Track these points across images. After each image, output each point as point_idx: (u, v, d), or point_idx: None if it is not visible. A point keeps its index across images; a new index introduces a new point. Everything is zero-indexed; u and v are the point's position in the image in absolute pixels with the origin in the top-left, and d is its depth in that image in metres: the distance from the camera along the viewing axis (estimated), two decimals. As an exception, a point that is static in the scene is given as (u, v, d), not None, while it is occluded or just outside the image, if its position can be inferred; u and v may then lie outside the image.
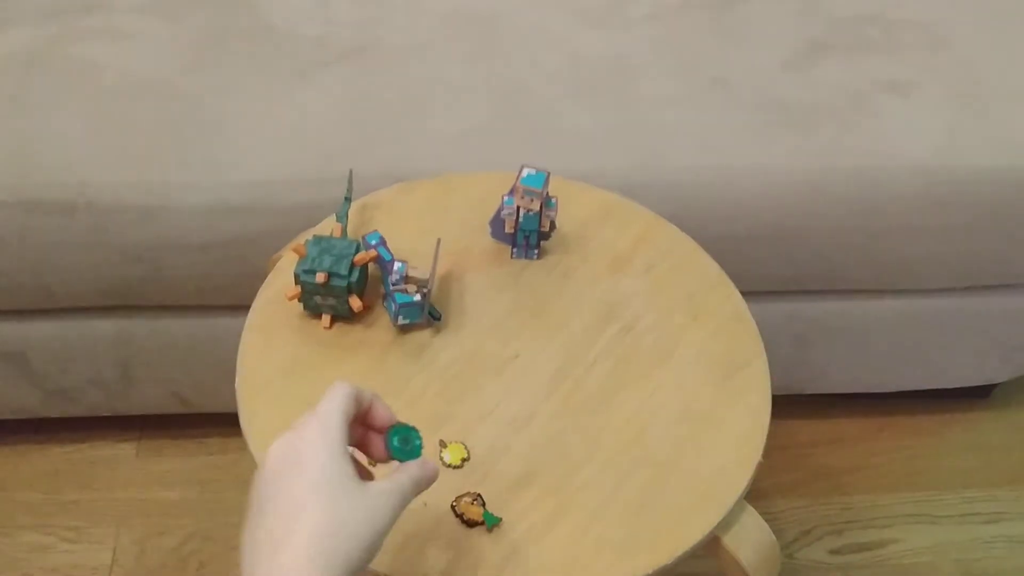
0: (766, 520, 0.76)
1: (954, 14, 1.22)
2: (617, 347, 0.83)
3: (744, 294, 0.87)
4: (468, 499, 0.73)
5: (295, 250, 0.81)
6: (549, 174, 0.84)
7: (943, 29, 1.20)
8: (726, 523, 0.74)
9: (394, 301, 0.80)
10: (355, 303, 0.81)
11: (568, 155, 1.05)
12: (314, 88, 1.09)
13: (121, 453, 1.30)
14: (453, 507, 0.73)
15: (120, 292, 1.08)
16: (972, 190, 1.09)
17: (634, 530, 0.72)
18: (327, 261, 0.80)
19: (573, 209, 0.91)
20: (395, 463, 0.62)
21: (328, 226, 0.88)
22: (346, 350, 0.81)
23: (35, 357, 1.15)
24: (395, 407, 0.77)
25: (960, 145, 1.09)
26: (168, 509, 1.25)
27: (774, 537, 0.76)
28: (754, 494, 0.75)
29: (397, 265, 0.81)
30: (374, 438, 0.62)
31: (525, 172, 0.84)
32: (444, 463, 0.75)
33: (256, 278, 0.87)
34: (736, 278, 0.88)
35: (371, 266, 0.85)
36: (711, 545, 0.74)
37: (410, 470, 0.60)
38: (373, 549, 0.55)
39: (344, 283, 0.80)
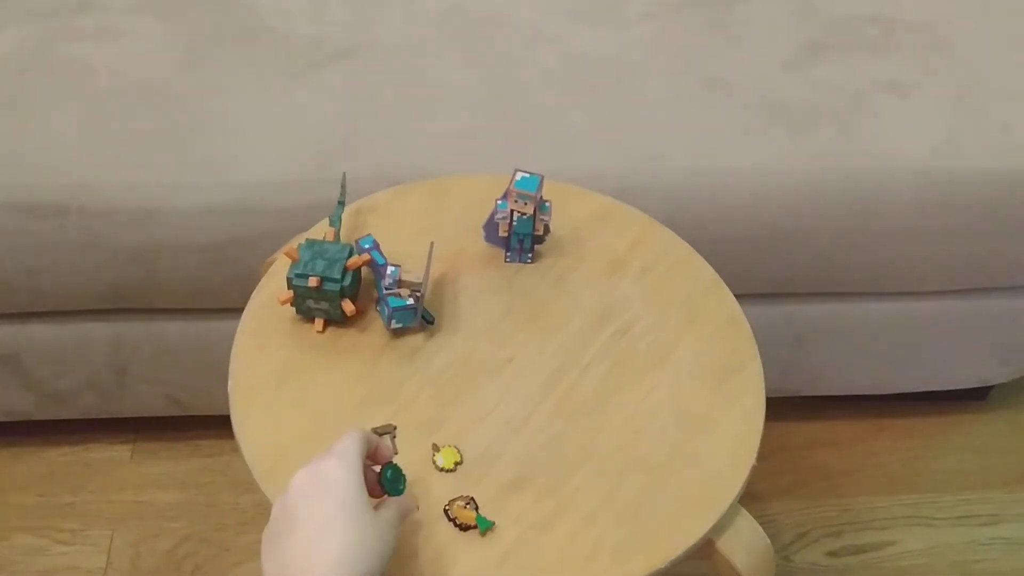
0: (763, 522, 0.76)
1: (954, 14, 1.21)
2: (612, 351, 0.82)
3: (742, 296, 0.87)
4: (461, 503, 0.73)
5: (288, 254, 0.81)
6: (543, 178, 0.84)
7: (943, 29, 1.19)
8: (720, 526, 0.74)
9: (387, 305, 0.80)
10: (348, 307, 0.80)
11: (564, 156, 1.05)
12: (309, 89, 1.09)
13: (116, 456, 1.30)
14: (446, 511, 0.72)
15: (114, 295, 1.08)
16: (971, 191, 1.08)
17: (629, 533, 0.72)
18: (320, 265, 0.80)
19: (568, 213, 0.91)
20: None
21: (321, 230, 0.88)
22: (339, 354, 0.81)
23: (29, 360, 1.15)
24: (388, 411, 0.78)
25: (959, 146, 1.08)
26: (163, 512, 1.25)
27: (768, 541, 0.76)
28: (751, 496, 0.75)
29: (390, 269, 0.81)
30: (373, 478, 0.69)
31: (519, 176, 0.83)
32: (437, 467, 0.75)
33: (250, 281, 0.87)
34: (734, 280, 0.88)
35: (364, 270, 0.84)
36: (706, 548, 0.74)
37: (399, 503, 0.67)
38: (384, 566, 0.62)
39: (337, 287, 0.79)
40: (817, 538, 1.27)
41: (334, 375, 0.80)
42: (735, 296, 0.87)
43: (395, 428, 0.76)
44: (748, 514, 0.76)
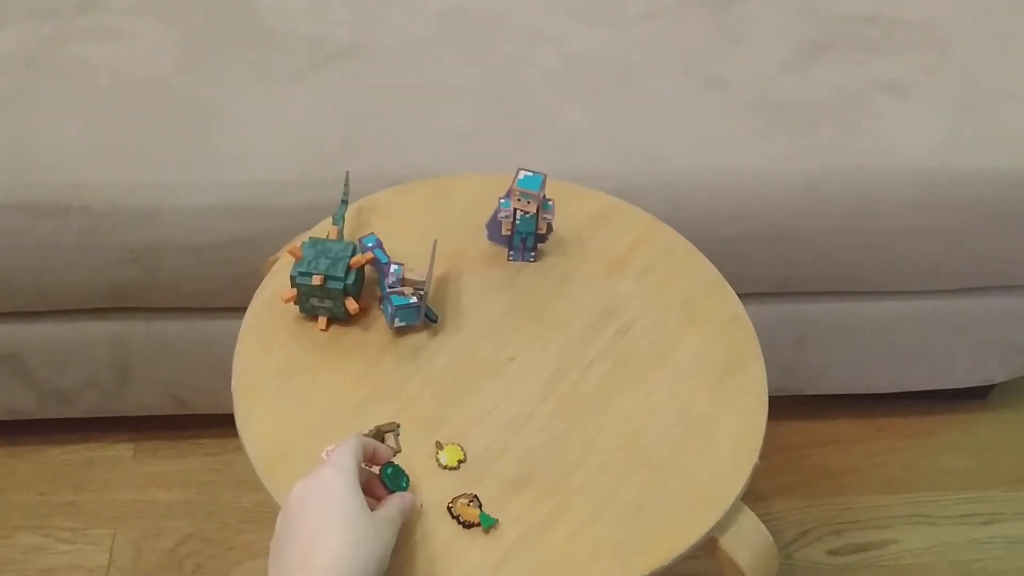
0: (764, 521, 0.76)
1: (954, 15, 1.21)
2: (614, 349, 0.82)
3: (743, 295, 0.87)
4: (464, 500, 0.73)
5: (291, 252, 0.81)
6: (545, 177, 0.84)
7: (943, 30, 1.19)
8: (723, 524, 0.74)
9: (390, 303, 0.80)
10: (351, 305, 0.80)
11: (566, 156, 1.05)
12: (311, 88, 1.09)
13: (118, 454, 1.30)
14: (449, 508, 0.72)
15: (116, 294, 1.08)
16: (971, 191, 1.09)
17: (631, 532, 0.72)
18: (323, 264, 0.80)
19: (570, 212, 0.91)
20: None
21: (324, 228, 0.88)
22: (342, 352, 0.81)
23: (31, 359, 1.15)
24: (391, 409, 0.78)
25: (959, 146, 1.09)
26: (165, 510, 1.25)
27: (771, 538, 0.76)
28: (752, 495, 0.75)
29: (393, 267, 0.81)
30: (374, 480, 0.71)
31: (521, 175, 0.83)
32: (440, 465, 0.75)
33: (253, 280, 0.87)
34: (735, 279, 0.88)
35: (368, 268, 0.84)
36: (708, 546, 0.74)
37: (400, 500, 0.69)
38: (383, 566, 0.63)
39: (340, 285, 0.79)
40: (818, 537, 1.28)
41: (337, 373, 0.80)
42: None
43: (398, 426, 0.76)
44: (751, 512, 0.76)
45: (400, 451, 0.75)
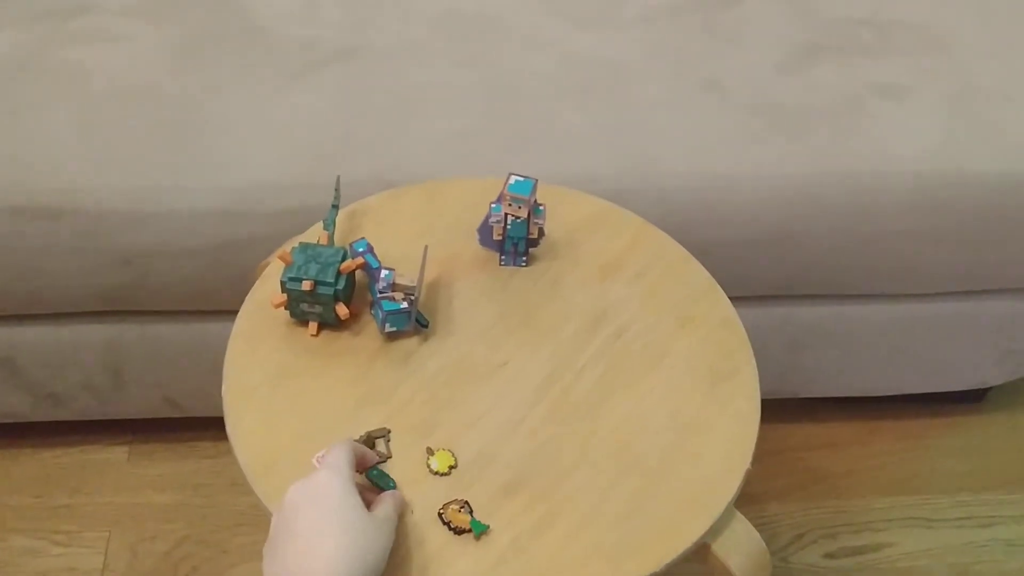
0: (760, 524, 0.76)
1: (949, 17, 1.21)
2: (606, 353, 0.82)
3: (737, 299, 0.87)
4: (455, 506, 0.72)
5: (281, 258, 0.81)
6: (537, 181, 0.84)
7: (938, 32, 1.19)
8: (715, 530, 0.74)
9: (381, 308, 0.80)
10: (342, 311, 0.80)
11: (560, 159, 1.05)
12: (303, 91, 1.09)
13: (112, 457, 1.30)
14: (440, 515, 0.72)
15: (109, 297, 1.08)
16: (966, 194, 1.08)
17: (623, 537, 0.72)
18: (313, 269, 0.80)
19: (562, 216, 0.91)
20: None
21: (315, 233, 0.87)
22: (333, 357, 0.81)
23: (25, 362, 1.15)
24: (382, 415, 0.78)
25: (954, 149, 1.08)
26: (159, 513, 1.25)
27: (764, 544, 0.76)
28: (747, 498, 0.75)
29: (384, 272, 0.81)
30: (362, 485, 0.71)
31: (512, 179, 0.83)
32: (431, 470, 0.75)
33: (245, 283, 0.87)
34: (729, 283, 0.88)
35: (358, 273, 0.84)
36: (701, 552, 0.74)
37: (392, 498, 0.69)
38: (381, 565, 0.63)
39: (331, 291, 0.79)
40: (814, 540, 1.27)
41: (328, 379, 0.80)
42: (730, 299, 0.87)
43: (389, 432, 0.76)
44: (743, 517, 0.75)
45: (391, 457, 0.74)
